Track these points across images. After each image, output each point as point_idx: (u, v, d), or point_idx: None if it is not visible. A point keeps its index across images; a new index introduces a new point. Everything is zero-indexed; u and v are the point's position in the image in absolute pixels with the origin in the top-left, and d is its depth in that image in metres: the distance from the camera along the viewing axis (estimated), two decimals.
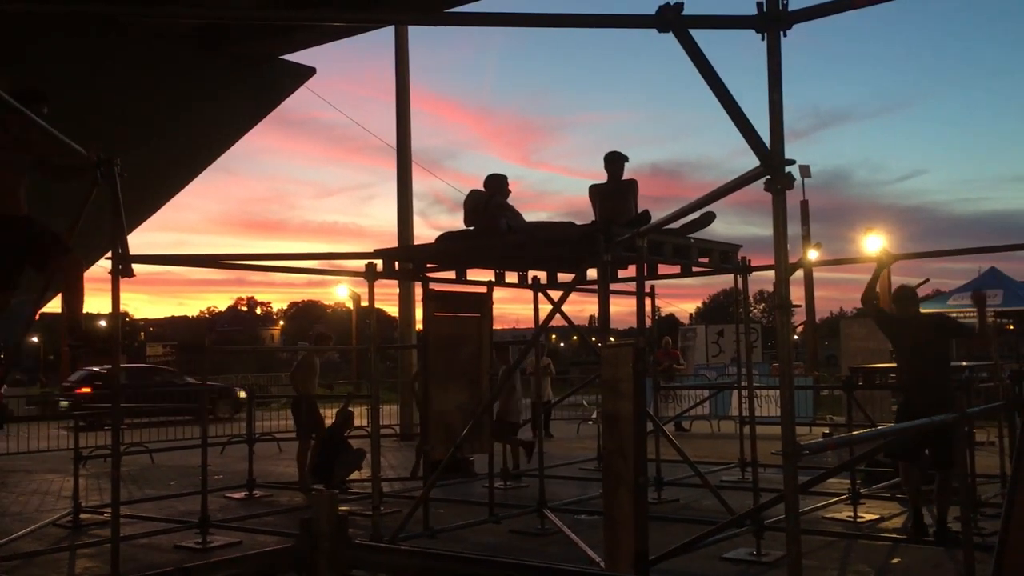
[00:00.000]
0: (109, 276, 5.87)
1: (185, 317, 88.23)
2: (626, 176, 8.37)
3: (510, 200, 8.05)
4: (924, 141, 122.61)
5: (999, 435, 8.82)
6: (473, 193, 8.16)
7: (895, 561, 6.96)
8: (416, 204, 19.53)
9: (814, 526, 8.04)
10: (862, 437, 5.86)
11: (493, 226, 7.59)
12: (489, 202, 7.80)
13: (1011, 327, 19.96)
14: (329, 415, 11.91)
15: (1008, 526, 4.80)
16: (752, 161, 3.69)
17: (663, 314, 33.53)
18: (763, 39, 3.47)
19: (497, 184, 8.11)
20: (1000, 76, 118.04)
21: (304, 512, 1.95)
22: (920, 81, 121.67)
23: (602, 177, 8.38)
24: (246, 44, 11.81)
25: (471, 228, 7.92)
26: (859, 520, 8.34)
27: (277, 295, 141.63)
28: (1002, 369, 11.12)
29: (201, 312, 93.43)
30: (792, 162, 3.56)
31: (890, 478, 9.76)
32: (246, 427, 11.74)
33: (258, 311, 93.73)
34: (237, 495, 10.63)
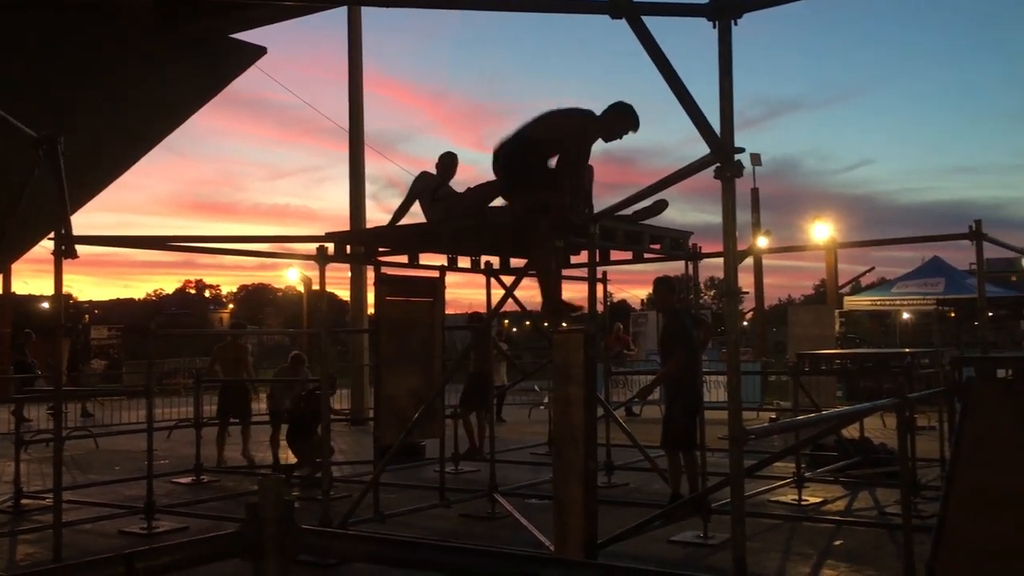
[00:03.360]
0: (52, 257, 5.75)
1: (131, 300, 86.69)
2: None
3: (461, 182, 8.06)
4: (871, 131, 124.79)
5: (939, 420, 9.04)
6: (423, 176, 8.10)
7: (837, 543, 7.11)
8: (369, 187, 19.37)
9: (760, 509, 8.18)
10: (806, 422, 5.96)
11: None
12: (437, 191, 7.74)
13: (952, 315, 20.44)
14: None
15: (947, 508, 4.93)
16: (704, 148, 3.73)
17: (615, 300, 33.76)
18: (715, 27, 3.50)
19: (448, 166, 8.04)
20: (944, 69, 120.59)
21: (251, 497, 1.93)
22: (867, 72, 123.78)
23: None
24: (194, 22, 11.57)
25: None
26: (803, 503, 8.51)
27: (227, 278, 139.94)
28: (943, 356, 11.40)
29: (148, 295, 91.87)
30: (741, 150, 3.60)
31: (833, 462, 9.98)
32: (193, 411, 11.59)
33: (207, 294, 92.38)
34: (184, 480, 10.50)
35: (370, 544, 1.88)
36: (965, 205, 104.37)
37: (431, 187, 7.95)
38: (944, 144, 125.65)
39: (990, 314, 17.16)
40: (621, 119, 6.64)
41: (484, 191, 7.44)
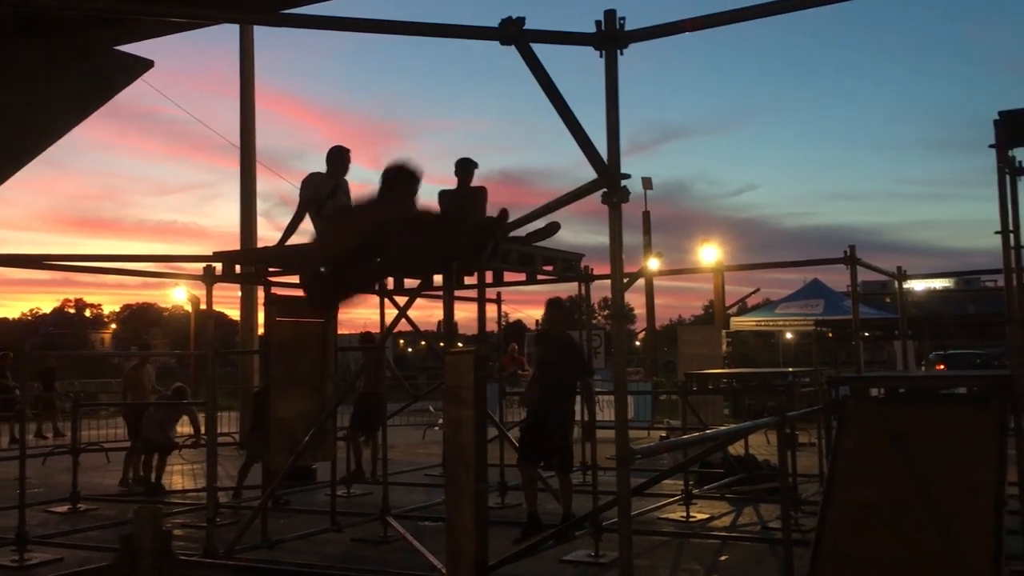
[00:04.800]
0: None
1: (5, 319, 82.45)
2: (476, 183, 8.40)
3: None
4: (757, 158, 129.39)
5: (819, 437, 9.40)
6: (311, 179, 7.75)
7: (723, 558, 7.30)
8: (261, 205, 19.01)
9: (650, 526, 8.33)
10: (692, 441, 6.11)
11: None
12: (324, 206, 7.54)
13: (831, 335, 21.30)
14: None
15: (823, 522, 5.13)
16: (594, 173, 3.80)
17: (511, 320, 33.92)
18: (601, 56, 3.59)
19: (335, 161, 7.78)
20: (826, 100, 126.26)
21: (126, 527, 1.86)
22: (754, 101, 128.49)
23: (453, 183, 8.39)
24: (77, 32, 11.16)
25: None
26: (691, 520, 8.71)
27: (109, 296, 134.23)
28: (822, 375, 11.85)
29: (23, 314, 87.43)
30: (628, 176, 3.69)
31: (720, 479, 10.25)
32: (71, 436, 11.09)
33: (87, 313, 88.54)
34: (59, 509, 10.02)
35: (247, 573, 1.84)
36: (845, 230, 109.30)
37: (322, 190, 7.62)
38: (825, 171, 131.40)
39: (865, 334, 17.97)
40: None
41: (373, 211, 7.34)
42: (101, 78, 12.32)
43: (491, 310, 10.07)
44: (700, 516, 8.88)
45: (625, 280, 12.20)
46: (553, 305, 8.23)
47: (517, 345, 21.26)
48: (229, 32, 19.25)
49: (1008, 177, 5.84)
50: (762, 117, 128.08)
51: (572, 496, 7.89)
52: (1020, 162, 6.40)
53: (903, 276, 9.48)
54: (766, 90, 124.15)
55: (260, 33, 17.29)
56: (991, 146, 5.55)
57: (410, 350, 49.43)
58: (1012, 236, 5.71)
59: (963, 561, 4.64)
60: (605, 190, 3.67)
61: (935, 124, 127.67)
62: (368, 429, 11.33)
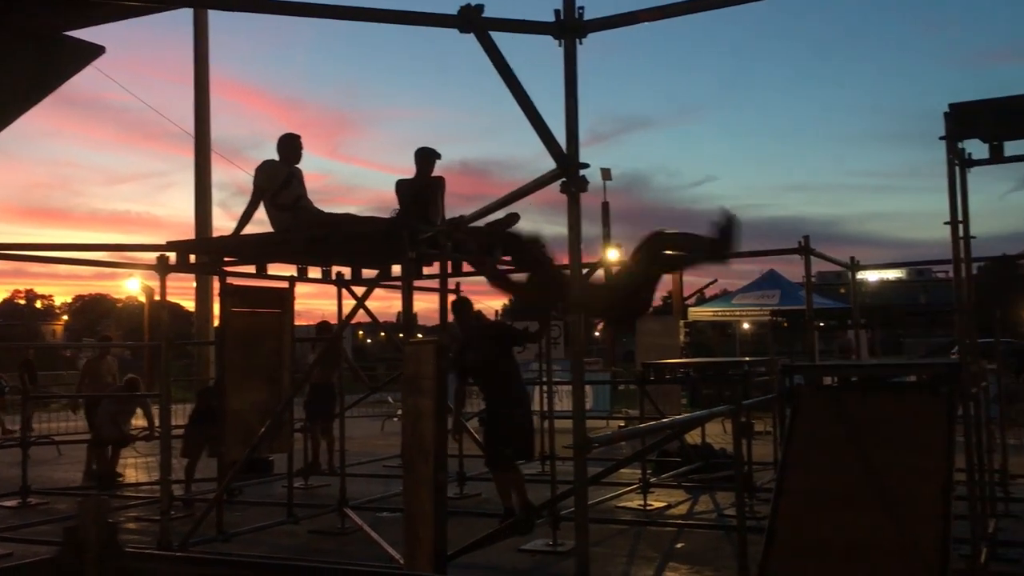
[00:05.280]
0: None
1: None
2: (437, 173, 8.31)
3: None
4: (716, 150, 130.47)
5: (774, 425, 9.53)
6: (264, 167, 7.53)
7: (679, 546, 7.37)
8: (217, 195, 18.76)
9: (608, 515, 8.39)
10: (648, 429, 6.16)
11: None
12: (290, 182, 7.41)
13: (786, 325, 21.60)
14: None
15: (776, 509, 5.20)
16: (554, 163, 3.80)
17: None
18: (560, 45, 3.59)
19: (288, 148, 7.59)
20: (781, 92, 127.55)
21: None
22: (713, 93, 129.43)
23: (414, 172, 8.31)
24: (23, 17, 10.90)
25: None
26: (649, 508, 8.79)
27: (61, 287, 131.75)
28: (777, 364, 12.00)
29: None
30: (586, 165, 3.69)
31: (677, 467, 10.36)
32: (20, 429, 10.89)
33: (38, 304, 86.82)
34: (9, 503, 9.83)
35: (196, 565, 1.81)
36: (801, 221, 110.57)
37: (276, 178, 7.40)
38: (780, 163, 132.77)
39: (820, 324, 18.25)
40: None
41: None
42: (50, 64, 12.04)
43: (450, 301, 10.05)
44: (657, 504, 8.96)
45: (585, 271, 12.26)
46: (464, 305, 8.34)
47: None
48: (183, 18, 18.97)
49: (957, 169, 5.95)
50: (721, 109, 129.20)
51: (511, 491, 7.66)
52: (969, 154, 6.53)
53: (856, 267, 9.62)
54: (725, 82, 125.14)
55: (215, 20, 17.08)
56: (941, 138, 5.65)
57: (369, 341, 49.20)
58: (961, 227, 5.82)
59: (912, 545, 4.74)
60: (564, 180, 3.67)
61: (889, 117, 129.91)
62: (322, 420, 11.27)
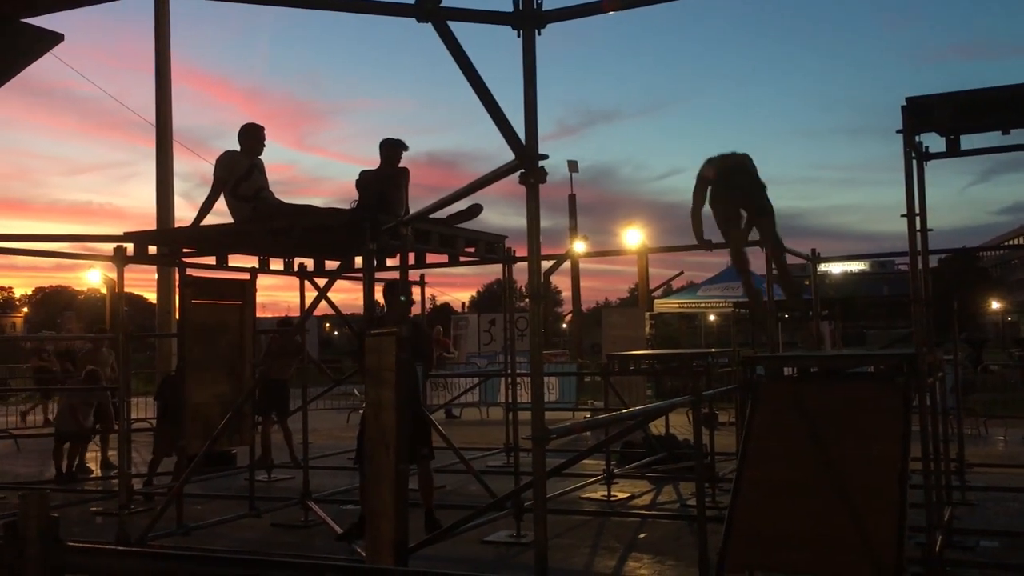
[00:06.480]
0: None
1: None
2: (403, 164, 8.25)
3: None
4: (682, 142, 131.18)
5: (737, 416, 9.61)
6: (228, 155, 7.46)
7: (642, 536, 7.41)
8: (180, 185, 18.56)
9: (572, 506, 8.42)
10: (609, 420, 6.18)
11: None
12: (251, 172, 7.33)
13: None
14: None
15: (736, 499, 5.24)
16: None
17: (439, 302, 33.75)
18: (519, 36, 3.57)
19: (249, 137, 7.51)
20: (748, 86, 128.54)
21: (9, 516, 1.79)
22: (679, 86, 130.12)
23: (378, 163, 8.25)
24: None
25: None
26: (612, 499, 8.83)
27: (20, 279, 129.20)
28: (740, 356, 12.10)
29: None
30: (545, 156, 3.68)
31: (641, 458, 10.41)
32: None
33: None
34: None
35: (141, 560, 1.78)
36: None
37: (237, 169, 7.34)
38: None
39: (785, 316, 18.39)
40: None
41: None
42: (7, 51, 11.81)
43: (415, 293, 10.01)
44: (621, 495, 9.01)
45: (552, 262, 12.21)
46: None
47: (442, 327, 21.22)
48: (144, 6, 18.69)
49: (915, 162, 6.02)
50: (687, 102, 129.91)
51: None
52: (927, 148, 6.60)
53: (817, 259, 9.73)
54: (691, 76, 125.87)
55: (176, 9, 16.83)
56: (899, 131, 5.70)
57: (336, 333, 48.93)
58: (918, 219, 5.88)
59: (869, 534, 4.80)
60: (523, 171, 3.66)
61: (850, 111, 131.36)
62: (277, 415, 11.24)
